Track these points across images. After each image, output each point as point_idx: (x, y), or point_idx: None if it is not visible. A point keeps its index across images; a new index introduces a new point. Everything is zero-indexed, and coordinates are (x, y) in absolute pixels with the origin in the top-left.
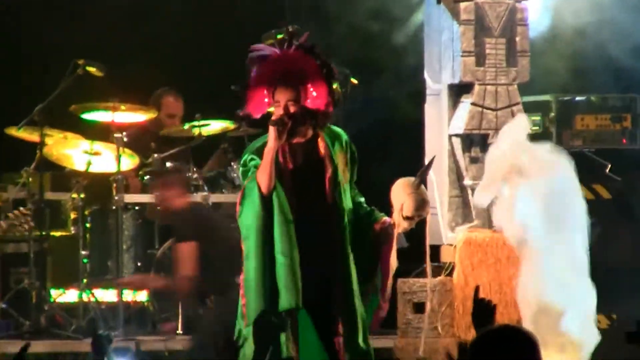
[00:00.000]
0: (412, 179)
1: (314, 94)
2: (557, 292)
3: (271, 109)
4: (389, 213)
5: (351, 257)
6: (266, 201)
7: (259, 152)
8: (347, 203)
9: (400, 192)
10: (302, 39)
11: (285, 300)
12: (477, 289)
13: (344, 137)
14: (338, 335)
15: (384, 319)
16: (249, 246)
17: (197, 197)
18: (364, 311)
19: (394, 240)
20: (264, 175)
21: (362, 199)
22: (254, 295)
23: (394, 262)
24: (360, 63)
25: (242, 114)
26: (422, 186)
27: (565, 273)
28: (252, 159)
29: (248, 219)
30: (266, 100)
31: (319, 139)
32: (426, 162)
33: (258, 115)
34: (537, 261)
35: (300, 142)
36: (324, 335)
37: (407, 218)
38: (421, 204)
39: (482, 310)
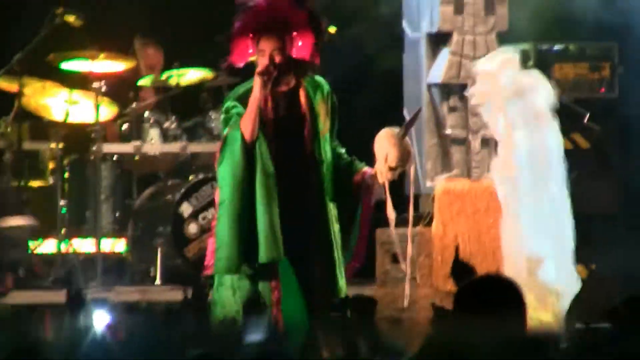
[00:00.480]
0: (396, 129)
1: (300, 43)
2: (537, 240)
3: (254, 58)
4: (370, 163)
5: (330, 208)
6: (248, 150)
7: (242, 100)
8: (327, 154)
9: (385, 143)
10: None
11: (264, 253)
12: (457, 250)
13: (326, 87)
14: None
15: (361, 268)
16: (225, 194)
17: (175, 146)
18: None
19: (373, 191)
20: (248, 124)
21: (343, 150)
22: (227, 245)
23: (390, 213)
24: (337, 12)
25: (225, 64)
26: (407, 138)
27: (545, 220)
28: (234, 106)
29: (227, 168)
30: (250, 49)
31: (301, 89)
32: (405, 112)
33: (241, 64)
34: (517, 209)
35: (283, 91)
36: (305, 285)
37: (391, 169)
38: (406, 155)
39: (462, 270)
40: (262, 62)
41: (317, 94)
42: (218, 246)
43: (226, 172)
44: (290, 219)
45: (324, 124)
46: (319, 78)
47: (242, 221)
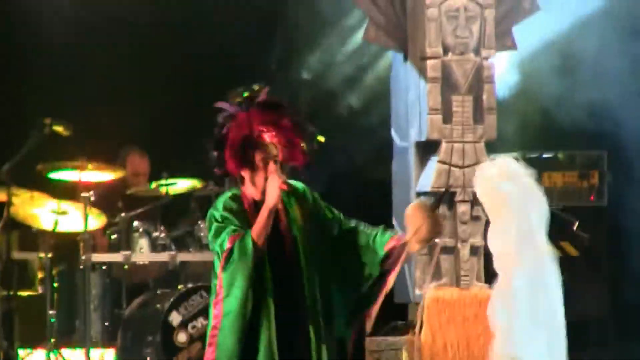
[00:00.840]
0: (427, 201)
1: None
2: (530, 347)
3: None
4: None
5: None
6: (258, 262)
7: (231, 210)
8: (311, 259)
9: (417, 215)
10: (261, 96)
11: None
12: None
13: (301, 188)
14: None
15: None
16: (233, 305)
17: (165, 256)
18: None
19: (400, 261)
20: (262, 233)
21: (361, 227)
22: (229, 357)
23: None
24: (326, 121)
25: (221, 172)
26: (439, 211)
27: (539, 327)
28: (227, 217)
29: (238, 278)
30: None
31: None
32: (394, 220)
33: (237, 173)
34: (511, 316)
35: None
36: None
37: (420, 241)
38: (438, 226)
39: None
40: (272, 171)
41: (291, 198)
42: (219, 357)
43: (237, 282)
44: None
45: (304, 227)
46: (292, 182)
47: (245, 334)
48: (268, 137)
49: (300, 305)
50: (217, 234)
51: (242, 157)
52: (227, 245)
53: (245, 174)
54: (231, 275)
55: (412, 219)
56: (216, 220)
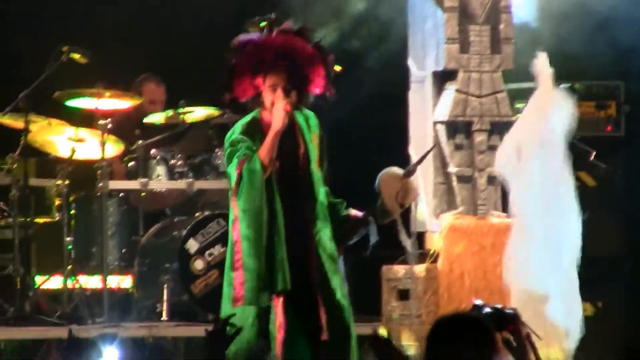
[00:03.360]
0: (398, 168)
1: (309, 77)
2: (544, 280)
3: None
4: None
5: (326, 233)
6: (266, 182)
7: (248, 133)
8: (320, 189)
9: (393, 180)
10: (285, 25)
11: (281, 282)
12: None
13: (315, 120)
14: (319, 316)
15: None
16: (249, 228)
17: (182, 183)
18: (344, 291)
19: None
20: (267, 155)
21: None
22: (256, 277)
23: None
24: (343, 50)
25: (228, 99)
26: (411, 177)
27: (554, 260)
28: (242, 140)
29: (248, 201)
30: (254, 84)
31: (295, 122)
32: (411, 149)
33: (245, 99)
34: (525, 246)
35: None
36: (306, 316)
37: (401, 206)
38: (415, 192)
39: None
40: (274, 97)
41: (310, 127)
42: (247, 278)
43: (249, 205)
44: (291, 249)
45: (316, 158)
46: (306, 111)
47: (264, 253)
48: (281, 63)
49: (307, 223)
50: (230, 157)
51: (250, 83)
52: (236, 170)
53: (265, 98)
54: (244, 199)
55: (387, 184)
56: (231, 145)
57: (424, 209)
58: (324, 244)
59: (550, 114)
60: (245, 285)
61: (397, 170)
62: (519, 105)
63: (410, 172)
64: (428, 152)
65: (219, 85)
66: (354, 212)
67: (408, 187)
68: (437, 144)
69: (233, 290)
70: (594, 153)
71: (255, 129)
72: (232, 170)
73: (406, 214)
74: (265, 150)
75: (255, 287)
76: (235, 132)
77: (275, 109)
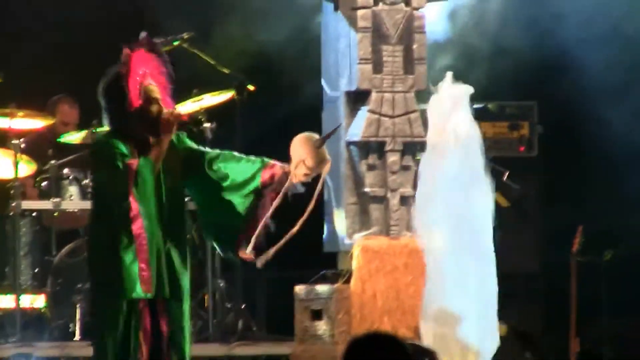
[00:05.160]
0: (314, 135)
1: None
2: (459, 298)
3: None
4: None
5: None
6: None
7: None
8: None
9: (303, 147)
10: (142, 39)
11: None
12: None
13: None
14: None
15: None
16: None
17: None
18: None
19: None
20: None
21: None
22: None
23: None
24: (258, 70)
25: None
26: (323, 146)
27: (467, 277)
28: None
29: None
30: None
31: None
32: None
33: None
34: (439, 265)
35: None
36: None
37: (306, 173)
38: (323, 160)
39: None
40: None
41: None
42: None
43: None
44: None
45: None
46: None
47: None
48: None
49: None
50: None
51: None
52: None
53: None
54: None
55: (296, 151)
56: (108, 146)
57: (337, 228)
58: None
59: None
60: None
61: (309, 136)
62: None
63: (322, 141)
64: (336, 128)
65: None
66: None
67: (317, 155)
68: (341, 124)
69: None
70: (507, 173)
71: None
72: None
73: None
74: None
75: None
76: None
77: (168, 119)
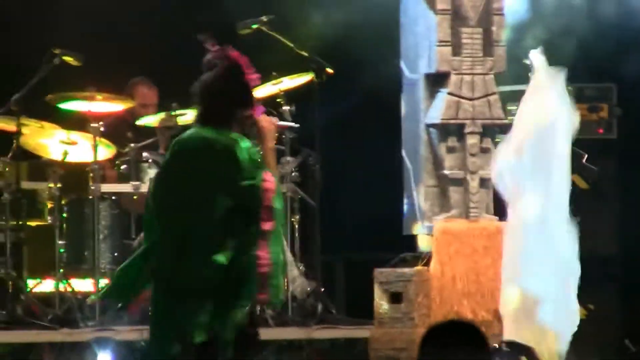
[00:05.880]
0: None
1: None
2: (538, 281)
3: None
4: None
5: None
6: None
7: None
8: None
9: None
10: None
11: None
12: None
13: None
14: None
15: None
16: (278, 231)
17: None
18: None
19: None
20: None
21: None
22: (281, 281)
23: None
24: (337, 53)
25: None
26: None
27: (548, 260)
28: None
29: (279, 204)
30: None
31: None
32: (404, 152)
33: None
34: (520, 250)
35: None
36: None
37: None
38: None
39: None
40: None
41: None
42: (278, 282)
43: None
44: None
45: None
46: None
47: None
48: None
49: None
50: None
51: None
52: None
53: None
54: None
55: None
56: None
57: (417, 211)
58: None
59: (547, 105)
60: (276, 288)
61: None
62: (511, 108)
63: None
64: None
65: None
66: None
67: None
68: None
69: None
70: (586, 156)
71: None
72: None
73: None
74: (273, 167)
75: (281, 293)
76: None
77: (267, 125)
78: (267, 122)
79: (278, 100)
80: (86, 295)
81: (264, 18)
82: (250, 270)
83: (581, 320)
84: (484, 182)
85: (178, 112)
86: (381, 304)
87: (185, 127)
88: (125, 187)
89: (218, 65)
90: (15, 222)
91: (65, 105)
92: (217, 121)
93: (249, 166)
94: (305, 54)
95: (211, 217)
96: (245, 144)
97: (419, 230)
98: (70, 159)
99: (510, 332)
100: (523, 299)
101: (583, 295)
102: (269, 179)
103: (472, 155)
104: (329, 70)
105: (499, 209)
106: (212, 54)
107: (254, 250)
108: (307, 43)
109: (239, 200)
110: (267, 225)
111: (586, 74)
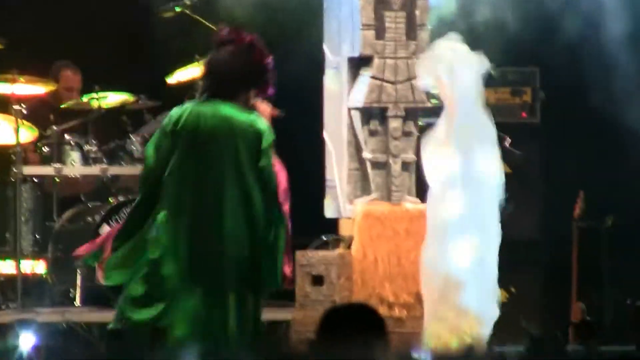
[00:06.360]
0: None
1: None
2: (460, 266)
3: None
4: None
5: None
6: None
7: None
8: None
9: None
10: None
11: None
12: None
13: None
14: None
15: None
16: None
17: (96, 169)
18: None
19: None
20: None
21: None
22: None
23: None
24: (260, 36)
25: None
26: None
27: (472, 244)
28: None
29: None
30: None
31: None
32: (325, 134)
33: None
34: (443, 232)
35: None
36: None
37: None
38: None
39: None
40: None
41: None
42: (279, 263)
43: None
44: None
45: None
46: None
47: None
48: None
49: None
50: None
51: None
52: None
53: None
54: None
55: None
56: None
57: (339, 194)
58: None
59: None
60: (277, 270)
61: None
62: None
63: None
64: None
65: (134, 71)
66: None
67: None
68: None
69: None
70: (508, 139)
71: None
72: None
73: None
74: None
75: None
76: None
77: (264, 110)
78: (263, 108)
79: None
80: (7, 277)
81: (187, 1)
82: (278, 247)
83: (503, 303)
84: (406, 166)
85: (100, 95)
86: (303, 286)
87: (107, 111)
88: (48, 170)
89: (233, 44)
90: None
91: None
92: (225, 97)
93: (267, 147)
94: None
95: (236, 194)
96: (258, 123)
97: (341, 213)
98: None
99: (431, 315)
100: (444, 282)
101: (506, 279)
102: (276, 163)
103: (395, 138)
104: None
105: (421, 192)
106: (226, 33)
107: (280, 229)
108: (230, 26)
109: (260, 178)
110: (285, 207)
111: (509, 58)
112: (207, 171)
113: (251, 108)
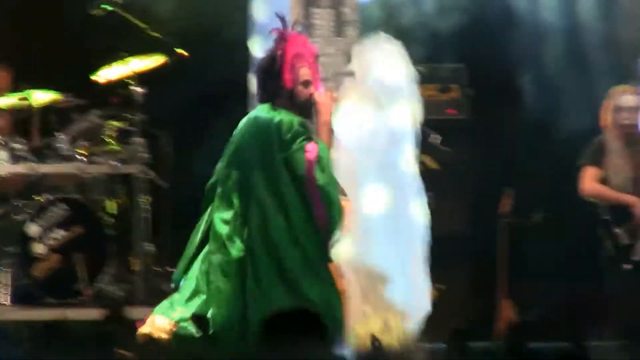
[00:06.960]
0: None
1: None
2: (388, 260)
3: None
4: None
5: None
6: None
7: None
8: None
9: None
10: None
11: None
12: None
13: None
14: None
15: None
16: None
17: (24, 167)
18: None
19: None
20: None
21: None
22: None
23: None
24: (189, 34)
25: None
26: None
27: (399, 239)
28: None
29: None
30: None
31: None
32: None
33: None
34: (371, 225)
35: None
36: None
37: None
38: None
39: None
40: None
41: None
42: None
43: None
44: None
45: None
46: None
47: None
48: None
49: None
50: (293, 140)
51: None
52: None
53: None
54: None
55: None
56: (296, 131)
57: None
58: None
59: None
60: None
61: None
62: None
63: None
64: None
65: (62, 69)
66: None
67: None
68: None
69: None
70: (436, 135)
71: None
72: (301, 150)
73: None
74: (326, 139)
75: None
76: (293, 124)
77: (324, 101)
78: (324, 98)
79: (128, 81)
80: None
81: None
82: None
83: (433, 301)
84: None
85: (28, 94)
86: None
87: (35, 109)
88: None
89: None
90: None
91: None
92: (264, 99)
93: (280, 139)
94: (158, 35)
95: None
96: (278, 117)
97: None
98: None
99: (356, 310)
100: (369, 276)
101: (435, 275)
102: (311, 150)
103: None
104: (182, 52)
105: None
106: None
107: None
108: (160, 25)
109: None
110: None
111: (437, 55)
112: (241, 173)
113: (307, 103)
